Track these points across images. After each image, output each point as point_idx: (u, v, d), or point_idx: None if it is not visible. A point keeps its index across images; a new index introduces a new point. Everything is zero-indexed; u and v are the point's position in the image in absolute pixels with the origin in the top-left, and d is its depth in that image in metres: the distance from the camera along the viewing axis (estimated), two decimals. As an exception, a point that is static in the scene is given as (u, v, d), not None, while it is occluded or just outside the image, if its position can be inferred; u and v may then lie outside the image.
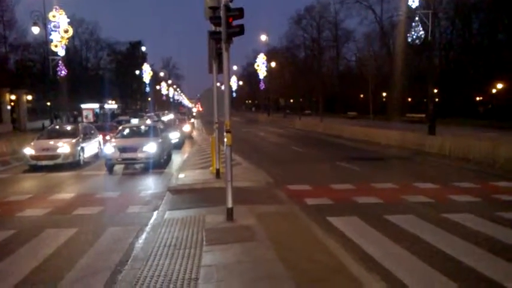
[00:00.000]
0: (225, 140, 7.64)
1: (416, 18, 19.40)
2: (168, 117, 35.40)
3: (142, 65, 75.02)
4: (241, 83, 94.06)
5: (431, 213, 8.30)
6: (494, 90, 50.71)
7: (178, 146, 22.09)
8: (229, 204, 7.63)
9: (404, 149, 19.74)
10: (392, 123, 36.24)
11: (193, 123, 40.39)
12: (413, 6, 19.46)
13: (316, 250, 5.99)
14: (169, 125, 23.66)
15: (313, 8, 74.48)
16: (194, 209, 8.68)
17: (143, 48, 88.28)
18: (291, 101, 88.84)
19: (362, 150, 20.37)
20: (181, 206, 9.05)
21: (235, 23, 7.23)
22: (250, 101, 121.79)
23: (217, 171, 11.96)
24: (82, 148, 16.29)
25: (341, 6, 67.91)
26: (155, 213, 8.68)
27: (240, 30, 7.24)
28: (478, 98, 57.02)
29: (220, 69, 11.83)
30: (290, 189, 10.80)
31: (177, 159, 17.60)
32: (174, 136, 21.07)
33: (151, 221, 8.06)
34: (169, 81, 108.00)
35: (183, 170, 13.65)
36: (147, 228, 7.53)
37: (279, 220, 7.68)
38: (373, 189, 10.73)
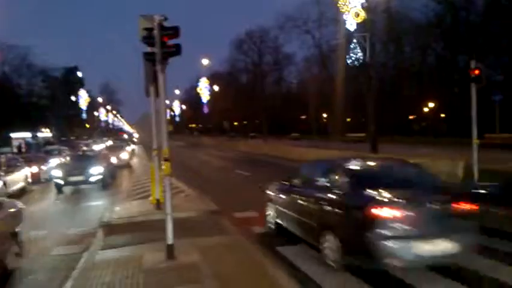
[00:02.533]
0: (163, 168, 6.95)
1: (354, 41, 20.02)
2: (102, 145, 33.31)
3: (78, 90, 71.94)
4: (184, 107, 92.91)
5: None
6: (426, 109, 53.84)
7: (104, 184, 16.78)
8: (170, 241, 6.89)
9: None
10: (335, 143, 36.95)
11: (133, 149, 38.74)
12: (351, 29, 20.10)
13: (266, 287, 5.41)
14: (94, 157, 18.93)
15: (253, 32, 75.70)
16: (130, 247, 7.80)
17: (79, 74, 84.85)
18: (235, 124, 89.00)
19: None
20: (116, 244, 8.12)
21: (170, 42, 6.66)
22: (194, 125, 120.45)
23: (157, 201, 11.10)
24: (4, 182, 14.70)
25: (280, 31, 69.55)
26: (85, 254, 7.69)
27: (177, 50, 6.68)
28: (410, 117, 60.25)
29: (158, 93, 11.20)
30: (236, 217, 10.19)
31: (108, 191, 16.43)
32: (96, 171, 16.36)
33: (80, 264, 7.08)
34: (108, 107, 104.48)
35: (119, 202, 12.60)
36: (74, 274, 6.56)
37: (225, 254, 7.03)
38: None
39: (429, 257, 5.46)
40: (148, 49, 7.91)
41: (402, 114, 56.58)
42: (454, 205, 5.68)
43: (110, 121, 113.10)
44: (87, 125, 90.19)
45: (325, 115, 67.94)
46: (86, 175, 16.16)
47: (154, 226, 9.11)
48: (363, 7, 19.56)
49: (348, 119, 62.30)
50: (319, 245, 6.47)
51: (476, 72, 12.65)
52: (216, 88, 56.06)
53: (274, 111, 72.72)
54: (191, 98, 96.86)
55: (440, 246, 5.45)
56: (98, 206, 13.03)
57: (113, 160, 23.25)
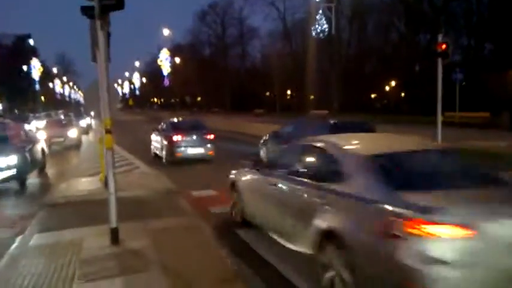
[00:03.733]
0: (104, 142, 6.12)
1: (320, 12, 19.37)
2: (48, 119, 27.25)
3: (31, 60, 67.79)
4: (144, 80, 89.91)
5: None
6: (387, 88, 54.48)
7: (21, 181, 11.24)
8: (114, 224, 6.13)
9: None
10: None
11: (89, 124, 36.78)
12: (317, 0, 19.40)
13: (221, 277, 4.80)
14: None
15: (217, 4, 73.59)
16: (71, 230, 6.97)
17: (32, 42, 79.90)
18: (198, 99, 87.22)
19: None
20: (56, 227, 7.25)
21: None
22: (155, 99, 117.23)
23: (106, 178, 10.16)
24: None
25: (245, 3, 68.01)
26: (18, 239, 6.80)
27: (118, 3, 5.77)
28: (372, 95, 60.94)
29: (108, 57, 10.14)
30: (194, 197, 9.52)
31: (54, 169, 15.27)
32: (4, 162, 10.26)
33: (11, 250, 6.21)
34: (65, 78, 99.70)
35: (65, 180, 11.57)
36: (1, 262, 5.71)
37: (177, 238, 6.36)
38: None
39: None
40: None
41: (364, 92, 57.01)
42: None
43: (66, 93, 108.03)
44: (42, 98, 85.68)
45: (289, 92, 67.59)
46: None
47: (101, 207, 8.25)
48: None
49: (312, 96, 62.26)
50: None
51: (443, 46, 12.34)
52: (177, 60, 54.11)
53: (238, 86, 71.66)
54: (152, 71, 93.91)
55: None
56: (39, 184, 11.96)
57: (71, 134, 21.18)
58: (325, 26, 19.87)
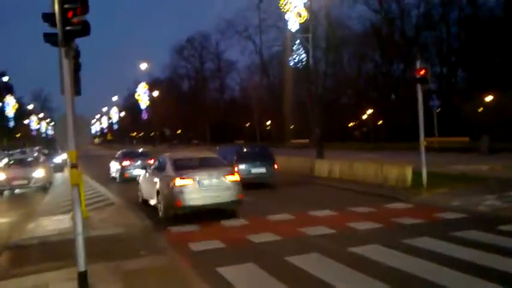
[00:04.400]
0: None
1: (297, 42, 19.49)
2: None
3: (5, 97, 66.50)
4: (123, 114, 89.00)
5: (335, 248, 7.17)
6: (364, 116, 55.16)
7: None
8: (82, 267, 5.54)
9: (295, 174, 19.19)
10: (279, 150, 36.43)
11: (65, 160, 35.57)
12: (294, 30, 19.52)
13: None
14: None
15: (194, 39, 74.23)
16: (36, 276, 6.30)
17: (6, 79, 78.54)
18: (178, 131, 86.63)
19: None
20: (19, 273, 6.57)
21: (76, 19, 5.37)
22: (135, 133, 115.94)
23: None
24: None
25: (221, 37, 68.67)
26: (-26, 289, 6.10)
27: (84, 28, 5.40)
28: (350, 124, 61.61)
29: (76, 90, 9.69)
30: (173, 233, 8.93)
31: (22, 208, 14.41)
32: None
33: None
34: (41, 115, 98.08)
35: (34, 218, 10.82)
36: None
37: (152, 281, 5.78)
38: (268, 223, 9.42)
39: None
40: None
41: (342, 121, 57.58)
42: None
43: (43, 130, 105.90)
44: (18, 135, 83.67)
45: (268, 122, 67.77)
46: None
47: (72, 247, 7.61)
48: (305, 7, 19.08)
49: (291, 126, 62.48)
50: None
51: (422, 72, 12.35)
52: (155, 94, 53.78)
53: (218, 118, 71.52)
54: (131, 105, 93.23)
55: None
56: (6, 223, 11.16)
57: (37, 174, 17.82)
58: (303, 55, 19.97)
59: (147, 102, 50.92)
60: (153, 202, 11.07)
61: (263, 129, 66.80)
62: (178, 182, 9.59)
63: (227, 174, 10.17)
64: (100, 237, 8.56)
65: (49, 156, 29.32)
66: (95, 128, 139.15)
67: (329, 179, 16.76)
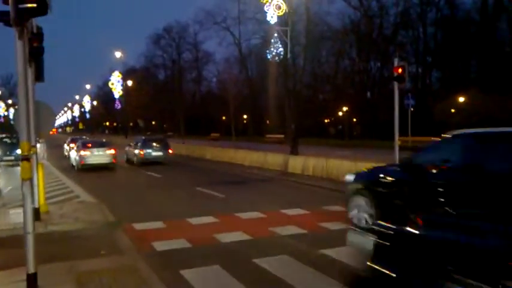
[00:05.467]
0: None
1: (275, 35, 19.15)
2: None
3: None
4: (95, 103, 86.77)
5: (306, 249, 6.90)
6: (340, 113, 55.45)
7: None
8: (31, 269, 5.05)
9: (268, 170, 18.93)
10: (254, 144, 36.13)
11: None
12: (272, 23, 19.17)
13: None
14: None
15: (171, 28, 72.92)
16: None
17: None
18: (153, 122, 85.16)
19: (225, 173, 18.92)
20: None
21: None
22: (108, 123, 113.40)
23: (37, 210, 8.90)
24: None
25: (200, 28, 67.72)
26: None
27: (40, 7, 4.87)
28: (326, 120, 61.90)
29: (38, 76, 9.06)
30: (136, 230, 8.46)
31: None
32: None
33: None
34: (10, 101, 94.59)
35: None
36: None
37: (111, 283, 5.35)
38: (238, 221, 9.07)
39: None
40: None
41: (318, 118, 57.77)
42: None
43: (11, 117, 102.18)
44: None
45: (245, 116, 67.39)
46: None
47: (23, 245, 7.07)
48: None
49: (267, 121, 62.26)
50: None
51: (400, 70, 12.21)
52: (129, 83, 52.46)
53: (194, 110, 70.62)
54: (104, 94, 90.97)
55: None
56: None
57: None
58: (281, 49, 19.64)
59: (120, 92, 49.60)
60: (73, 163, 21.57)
61: (239, 123, 66.36)
62: (82, 152, 20.40)
63: (107, 149, 20.88)
64: (58, 233, 8.05)
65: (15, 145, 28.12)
66: (67, 116, 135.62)
67: (303, 176, 16.55)
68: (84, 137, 31.79)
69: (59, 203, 11.02)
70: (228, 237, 7.72)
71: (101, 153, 20.66)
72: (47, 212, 9.54)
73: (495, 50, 42.60)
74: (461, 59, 47.21)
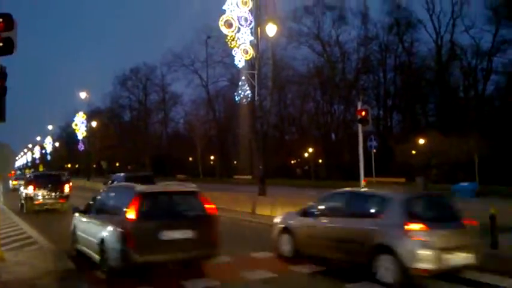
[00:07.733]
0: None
1: (243, 78, 19.57)
2: None
3: None
4: (57, 144, 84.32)
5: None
6: (306, 154, 56.35)
7: None
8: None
9: (237, 211, 18.68)
10: (222, 185, 35.89)
11: None
12: (240, 66, 19.64)
13: None
14: None
15: (139, 69, 73.13)
16: None
17: None
18: (117, 164, 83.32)
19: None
20: None
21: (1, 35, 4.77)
22: (69, 165, 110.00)
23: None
24: None
25: (168, 70, 68.22)
26: None
27: (6, 46, 4.80)
28: (293, 161, 62.63)
29: (1, 115, 8.75)
30: (100, 278, 8.03)
31: None
32: None
33: None
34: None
35: None
36: None
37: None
38: (206, 267, 8.78)
39: None
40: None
41: (285, 158, 58.45)
42: None
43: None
44: None
45: (212, 157, 67.19)
46: None
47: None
48: (251, 44, 19.33)
49: (235, 162, 62.31)
50: None
51: (363, 113, 12.63)
52: (94, 124, 51.51)
53: (160, 151, 69.84)
54: (67, 136, 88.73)
55: None
56: None
57: None
58: (248, 91, 20.05)
59: (84, 133, 48.55)
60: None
61: (207, 164, 66.04)
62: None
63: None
64: (12, 282, 7.52)
65: None
66: (26, 158, 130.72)
67: (271, 217, 16.37)
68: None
69: (16, 250, 10.36)
70: (194, 283, 7.45)
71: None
72: (2, 260, 8.95)
73: (450, 94, 45.19)
74: (419, 102, 49.64)
